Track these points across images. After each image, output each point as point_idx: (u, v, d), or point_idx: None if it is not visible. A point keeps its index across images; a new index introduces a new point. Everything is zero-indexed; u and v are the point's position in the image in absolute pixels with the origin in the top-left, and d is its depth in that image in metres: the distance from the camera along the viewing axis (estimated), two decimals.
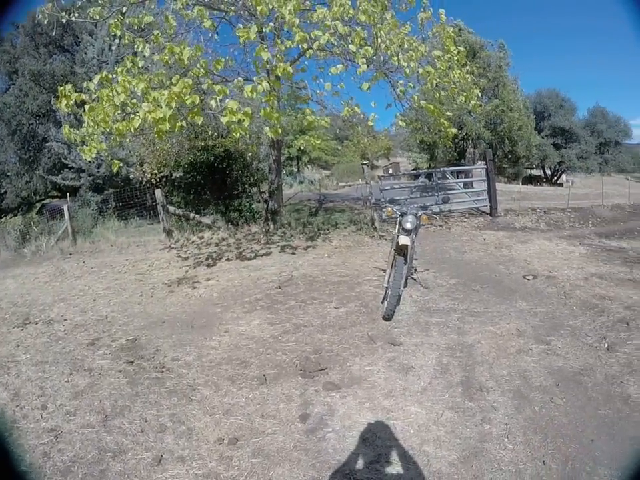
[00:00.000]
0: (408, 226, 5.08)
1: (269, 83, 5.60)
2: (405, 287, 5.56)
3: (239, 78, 6.60)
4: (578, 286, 6.46)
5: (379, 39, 6.83)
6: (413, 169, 28.28)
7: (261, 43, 6.42)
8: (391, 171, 41.53)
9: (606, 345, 4.56)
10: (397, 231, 5.28)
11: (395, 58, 7.06)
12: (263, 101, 5.63)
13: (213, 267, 8.33)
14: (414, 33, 8.09)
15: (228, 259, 8.69)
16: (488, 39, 28.82)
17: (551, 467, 2.85)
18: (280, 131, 6.01)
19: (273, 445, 3.07)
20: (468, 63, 9.28)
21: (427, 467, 2.78)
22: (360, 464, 2.83)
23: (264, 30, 7.11)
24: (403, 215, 5.22)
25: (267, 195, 11.22)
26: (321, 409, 3.43)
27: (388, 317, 5.06)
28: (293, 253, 8.59)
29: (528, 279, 6.79)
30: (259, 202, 12.14)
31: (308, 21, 7.08)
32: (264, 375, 4.05)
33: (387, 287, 5.18)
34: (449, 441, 3.03)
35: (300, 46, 6.69)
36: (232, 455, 2.99)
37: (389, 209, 5.53)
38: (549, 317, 5.27)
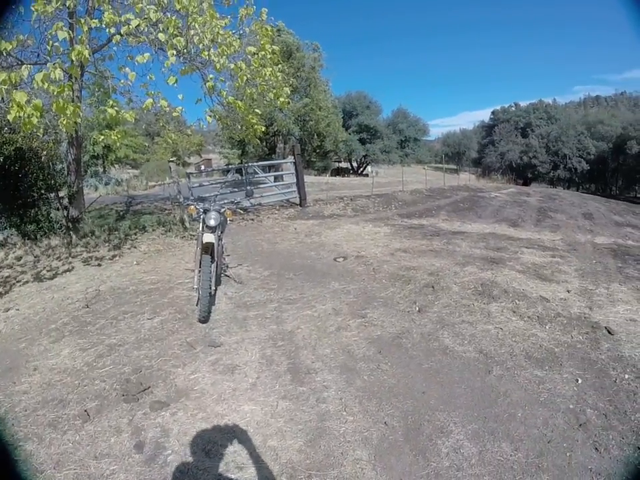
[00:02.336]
0: (211, 223, 4.92)
1: (64, 70, 4.90)
2: (218, 284, 5.34)
3: (27, 65, 5.64)
4: (385, 261, 7.18)
5: (192, 31, 6.50)
6: (226, 165, 28.23)
7: (68, 21, 5.61)
8: (203, 167, 40.54)
9: (417, 309, 5.15)
10: (200, 229, 5.05)
11: (206, 52, 6.79)
12: (55, 92, 4.80)
13: (10, 293, 7.07)
14: (233, 28, 7.95)
15: (26, 282, 7.47)
16: (306, 41, 30.29)
17: (394, 425, 3.03)
18: (78, 121, 5.19)
19: None
20: (281, 62, 9.46)
21: (277, 460, 2.73)
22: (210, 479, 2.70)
23: (66, 4, 5.89)
24: (206, 212, 5.04)
25: (67, 200, 9.92)
26: (155, 432, 3.13)
27: (204, 319, 4.74)
28: (99, 265, 7.68)
29: (339, 261, 7.26)
30: (58, 209, 10.57)
31: (127, 1, 6.34)
32: (86, 411, 3.53)
33: (197, 288, 4.86)
34: (291, 429, 3.01)
35: (108, 29, 5.98)
36: None
37: (192, 206, 5.28)
38: (361, 293, 5.68)
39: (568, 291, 6.20)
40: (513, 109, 59.83)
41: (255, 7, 8.21)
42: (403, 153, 48.78)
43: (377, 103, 47.74)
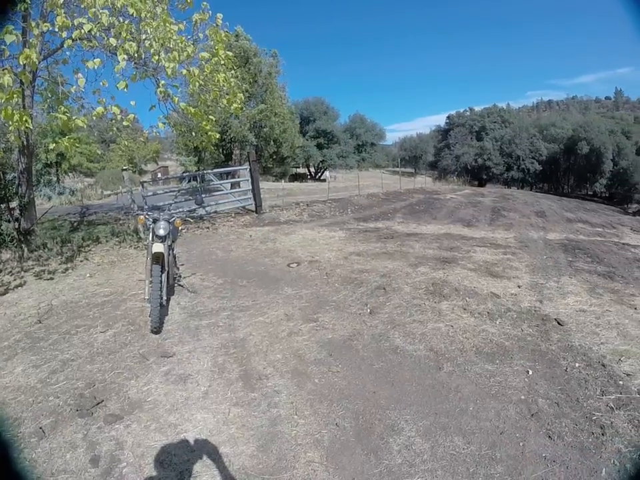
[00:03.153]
0: (161, 232, 4.85)
1: (15, 74, 4.78)
2: (170, 294, 5.27)
3: None
4: (338, 265, 7.32)
5: (144, 35, 6.42)
6: (183, 172, 27.99)
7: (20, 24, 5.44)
8: (159, 175, 39.76)
9: (368, 310, 5.27)
10: (150, 238, 4.99)
11: (157, 57, 6.68)
12: (3, 99, 4.68)
13: None
14: (189, 33, 7.88)
15: None
16: (263, 47, 29.91)
17: (345, 426, 3.08)
18: (25, 128, 5.07)
19: None
20: (235, 68, 9.41)
21: (231, 467, 2.73)
22: None
23: (18, 6, 5.78)
24: (155, 221, 4.97)
25: (18, 212, 9.56)
26: (109, 445, 3.09)
27: (156, 330, 4.69)
28: (52, 278, 7.43)
29: (292, 267, 7.33)
30: (9, 221, 10.12)
31: (82, 5, 6.12)
32: (41, 428, 3.45)
33: (148, 299, 4.79)
34: (243, 435, 3.02)
35: (60, 33, 5.82)
36: None
37: (141, 216, 5.20)
38: (314, 297, 5.78)
39: (519, 286, 6.44)
40: (468, 113, 61.56)
41: (210, 11, 8.16)
42: (360, 158, 49.52)
43: (334, 108, 48.35)
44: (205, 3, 8.07)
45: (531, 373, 3.96)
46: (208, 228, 11.30)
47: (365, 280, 6.44)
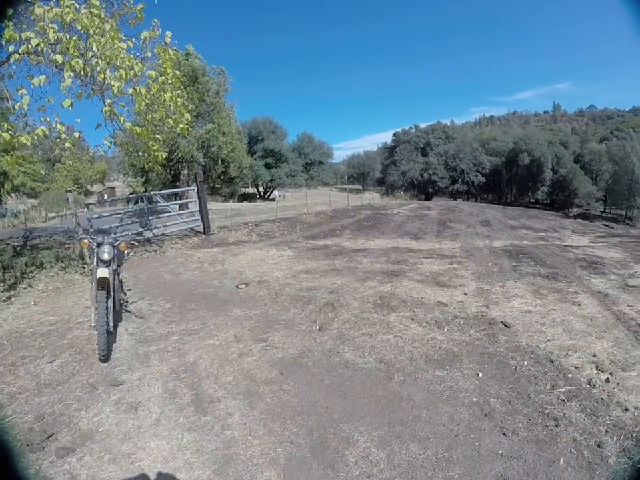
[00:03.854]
0: (105, 257, 4.75)
1: None
2: (118, 321, 5.19)
3: None
4: (287, 284, 7.42)
5: (90, 52, 6.28)
6: (130, 194, 27.26)
7: None
8: (106, 196, 38.66)
9: (318, 327, 5.39)
10: (95, 263, 4.85)
11: (102, 75, 6.53)
12: None
13: None
14: (137, 50, 7.68)
15: None
16: (214, 65, 29.90)
17: (300, 443, 3.14)
18: None
19: None
20: (182, 87, 9.32)
21: None
22: None
23: None
24: (99, 245, 4.86)
25: None
26: (63, 479, 3.04)
27: (104, 358, 4.56)
28: None
29: (241, 288, 7.35)
30: None
31: (31, 17, 5.96)
32: None
33: (95, 327, 4.65)
34: (198, 460, 3.01)
35: (7, 47, 5.64)
36: None
37: (84, 240, 5.07)
38: (263, 317, 5.84)
39: (465, 294, 6.72)
40: (413, 130, 63.45)
41: (160, 29, 8.01)
42: (308, 176, 50.08)
43: (282, 127, 48.87)
44: (155, 20, 7.94)
45: (481, 375, 4.13)
46: (156, 251, 11.08)
47: (313, 297, 6.58)
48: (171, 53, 8.27)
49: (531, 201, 53.89)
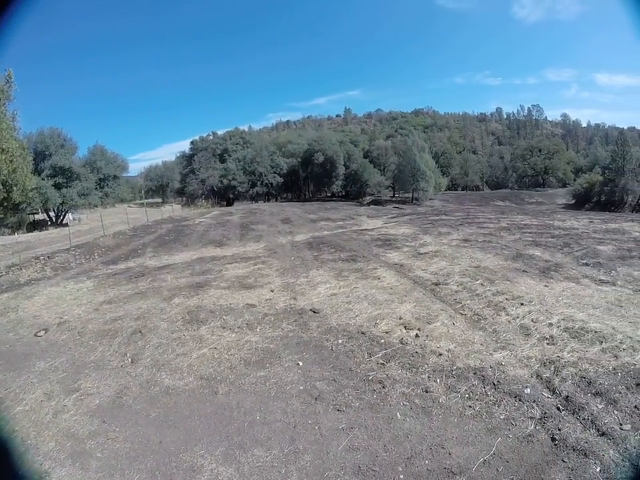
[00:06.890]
0: None
1: None
2: None
3: None
4: (90, 320, 6.83)
5: None
6: None
7: None
8: None
9: (130, 360, 5.14)
10: None
11: None
12: None
13: None
14: None
15: None
16: None
17: None
18: None
19: None
20: None
21: None
22: None
23: None
24: None
25: None
26: None
27: None
28: None
29: (40, 336, 6.47)
30: None
31: None
32: None
33: None
34: None
35: None
36: None
37: None
38: (70, 364, 5.26)
39: (272, 291, 7.15)
40: (211, 137, 63.01)
41: None
42: (102, 194, 46.02)
43: (72, 140, 42.90)
44: None
45: (301, 364, 4.51)
46: None
47: (119, 328, 6.23)
48: None
49: (328, 194, 59.11)
